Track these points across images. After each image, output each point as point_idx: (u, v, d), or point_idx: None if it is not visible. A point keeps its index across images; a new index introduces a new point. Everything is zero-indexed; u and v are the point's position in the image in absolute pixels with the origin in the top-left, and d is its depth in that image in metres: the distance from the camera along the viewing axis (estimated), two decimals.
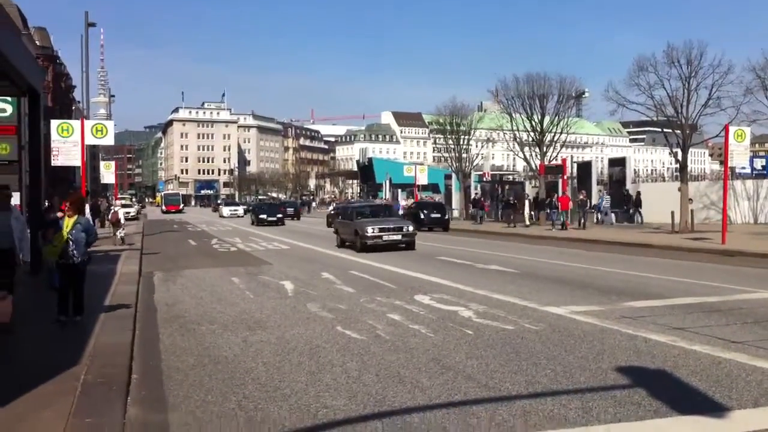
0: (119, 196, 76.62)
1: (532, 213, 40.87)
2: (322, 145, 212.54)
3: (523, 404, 6.11)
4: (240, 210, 71.70)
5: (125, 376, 7.22)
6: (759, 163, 50.99)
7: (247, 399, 6.47)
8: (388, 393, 6.56)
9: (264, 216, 49.89)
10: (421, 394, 6.51)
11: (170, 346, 8.98)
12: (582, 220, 35.24)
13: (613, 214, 40.62)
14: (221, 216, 69.49)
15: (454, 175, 58.93)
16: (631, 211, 39.89)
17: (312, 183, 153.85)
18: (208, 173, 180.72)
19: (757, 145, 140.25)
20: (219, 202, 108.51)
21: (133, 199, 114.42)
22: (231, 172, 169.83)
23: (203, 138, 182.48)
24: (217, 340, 9.21)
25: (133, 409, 6.31)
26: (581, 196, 36.70)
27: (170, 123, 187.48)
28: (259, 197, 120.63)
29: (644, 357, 7.80)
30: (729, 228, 25.99)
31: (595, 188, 42.40)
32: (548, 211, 37.72)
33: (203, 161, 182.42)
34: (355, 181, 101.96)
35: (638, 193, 40.96)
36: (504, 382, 6.88)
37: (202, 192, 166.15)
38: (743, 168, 42.97)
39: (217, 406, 6.29)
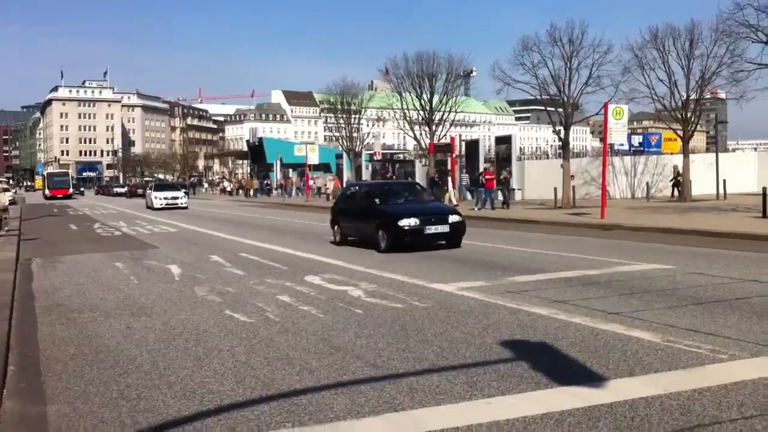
0: None
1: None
2: (211, 125, 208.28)
3: (410, 381, 6.19)
4: (181, 197, 47.51)
5: (1, 367, 6.88)
6: (636, 140, 53.31)
7: (129, 388, 6.28)
8: (277, 375, 6.51)
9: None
10: (310, 375, 6.49)
11: (49, 335, 8.62)
12: (505, 199, 34.42)
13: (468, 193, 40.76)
14: (151, 207, 45.98)
15: (345, 155, 59.00)
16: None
17: (201, 164, 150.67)
18: (91, 155, 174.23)
19: (634, 123, 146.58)
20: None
21: (11, 183, 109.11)
22: (115, 153, 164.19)
23: (85, 118, 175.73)
24: (98, 329, 8.91)
25: (9, 402, 6.03)
26: (505, 174, 35.93)
27: (49, 102, 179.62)
28: (145, 179, 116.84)
29: (527, 330, 8.05)
30: (608, 203, 27.11)
31: (482, 166, 43.08)
32: (473, 189, 36.47)
33: (85, 142, 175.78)
34: (245, 161, 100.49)
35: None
36: (392, 359, 6.95)
37: (84, 174, 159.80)
38: (621, 145, 44.98)
39: (98, 396, 6.08)
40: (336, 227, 19.70)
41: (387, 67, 51.41)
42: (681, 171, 36.84)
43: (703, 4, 36.08)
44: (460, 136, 51.05)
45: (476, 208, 32.67)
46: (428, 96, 47.30)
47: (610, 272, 12.43)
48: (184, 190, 52.96)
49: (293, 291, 11.26)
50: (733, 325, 8.00)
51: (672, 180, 39.22)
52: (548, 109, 37.56)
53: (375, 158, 57.53)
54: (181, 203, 46.15)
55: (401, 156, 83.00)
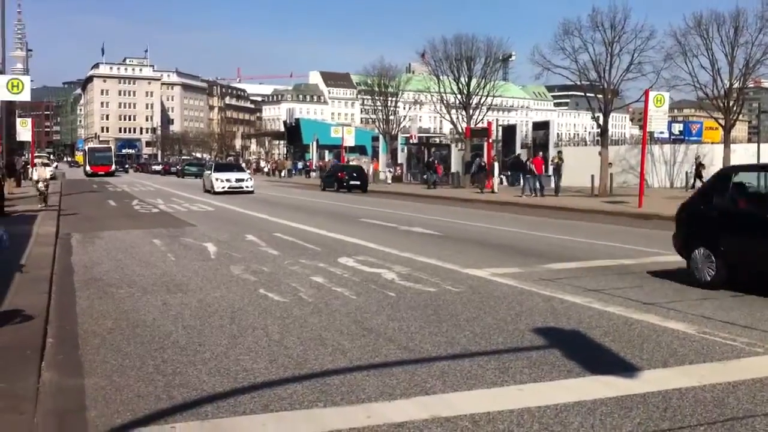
0: (36, 154, 73.70)
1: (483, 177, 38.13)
2: (249, 105, 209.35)
3: (441, 365, 6.21)
4: (247, 178, 38.87)
5: (40, 340, 7.03)
6: (677, 128, 52.61)
7: (165, 363, 6.39)
8: (309, 356, 6.57)
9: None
10: (342, 356, 6.55)
11: (87, 309, 8.78)
12: (556, 186, 33.29)
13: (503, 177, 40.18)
14: (210, 191, 37.63)
15: (381, 137, 58.96)
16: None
17: (238, 143, 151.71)
18: (130, 132, 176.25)
19: (675, 111, 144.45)
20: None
21: (51, 158, 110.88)
22: (154, 130, 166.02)
23: (125, 95, 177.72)
24: (136, 304, 9.05)
25: (47, 373, 6.15)
26: (555, 159, 34.61)
27: (90, 79, 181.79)
28: (183, 157, 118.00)
29: (560, 318, 8.02)
30: (646, 192, 26.79)
31: (519, 151, 42.80)
32: (522, 175, 34.87)
33: (125, 119, 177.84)
34: (282, 142, 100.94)
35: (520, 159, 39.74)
36: (424, 343, 6.98)
37: (123, 151, 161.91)
38: (662, 133, 44.45)
39: (134, 370, 6.19)
40: (705, 252, 9.91)
41: (425, 49, 51.26)
42: (702, 160, 36.28)
43: None
44: (497, 120, 50.72)
45: (523, 195, 31.84)
46: (466, 80, 47.03)
47: (646, 262, 12.32)
48: (248, 171, 45.91)
49: (327, 272, 11.33)
50: None
51: (693, 169, 38.69)
52: (587, 95, 37.10)
53: (411, 141, 57.41)
54: (247, 186, 37.83)
55: (437, 140, 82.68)
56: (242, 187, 37.40)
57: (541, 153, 39.30)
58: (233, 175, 38.63)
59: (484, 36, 48.84)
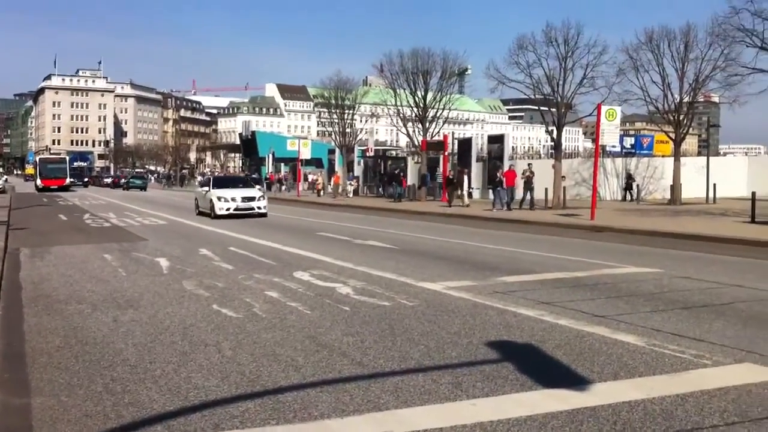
0: None
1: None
2: (204, 117, 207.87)
3: (395, 380, 6.20)
4: (258, 197, 29.51)
5: None
6: (628, 142, 53.53)
7: (115, 381, 6.27)
8: (263, 372, 6.51)
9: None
10: (296, 372, 6.50)
11: (35, 326, 8.59)
12: (529, 199, 32.68)
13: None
14: (209, 213, 28.79)
15: (337, 150, 58.97)
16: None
17: (192, 156, 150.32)
18: (83, 144, 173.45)
19: (627, 124, 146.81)
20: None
21: (0, 171, 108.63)
22: (107, 143, 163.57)
23: (77, 107, 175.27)
24: (85, 321, 8.88)
25: None
26: (527, 173, 33.71)
27: (42, 91, 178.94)
28: (136, 170, 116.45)
29: (513, 331, 8.07)
30: (598, 204, 27.20)
31: (474, 165, 43.12)
32: (493, 188, 34.02)
33: (77, 132, 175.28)
34: (238, 155, 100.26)
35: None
36: (378, 358, 6.96)
37: (75, 164, 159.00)
38: (613, 146, 45.17)
39: (83, 389, 6.07)
40: None
41: (382, 63, 51.46)
42: (633, 174, 37.29)
43: (698, 7, 36.20)
44: (452, 133, 51.17)
45: (494, 209, 31.14)
46: (422, 93, 47.39)
47: (598, 274, 12.46)
48: (258, 187, 35.68)
49: (281, 287, 11.25)
50: (719, 330, 8.04)
51: (624, 183, 39.62)
52: (541, 108, 37.68)
53: (367, 154, 57.56)
54: (260, 207, 28.62)
55: (394, 152, 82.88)
56: (252, 209, 28.26)
57: (511, 165, 39.38)
58: (239, 193, 28.86)
59: (441, 50, 48.77)
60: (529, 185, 33.11)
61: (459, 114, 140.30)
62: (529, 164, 36.03)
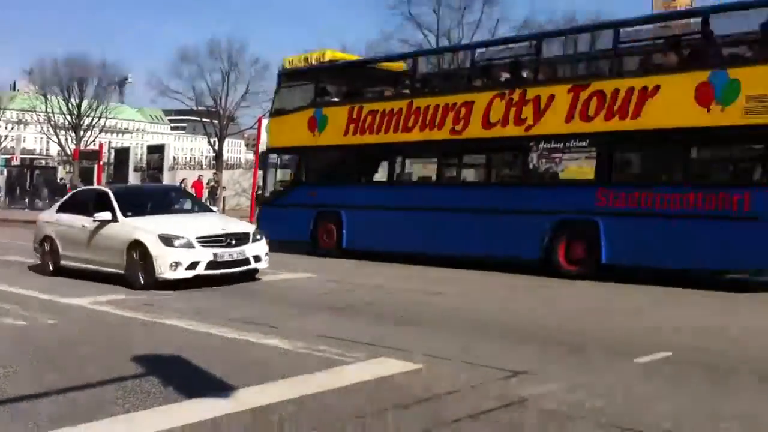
0: None
1: None
2: None
3: (24, 407, 5.64)
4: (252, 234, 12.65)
5: None
6: None
7: None
8: None
9: None
10: None
11: None
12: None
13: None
14: (158, 277, 11.77)
15: None
16: None
17: None
18: None
19: None
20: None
21: None
22: None
23: None
24: None
25: None
26: (211, 183, 34.30)
27: None
28: None
29: (161, 344, 7.80)
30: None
31: (131, 174, 41.59)
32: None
33: None
34: None
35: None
36: (6, 385, 6.28)
37: None
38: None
39: None
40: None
41: (32, 67, 47.89)
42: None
43: None
44: (109, 143, 48.86)
45: None
46: (77, 101, 44.97)
47: (255, 281, 12.62)
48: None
49: None
50: (361, 329, 8.53)
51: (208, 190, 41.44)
52: (204, 120, 37.57)
53: (13, 163, 52.88)
54: (259, 259, 12.55)
55: (43, 162, 77.27)
56: (248, 263, 12.45)
57: (200, 176, 38.73)
58: (209, 228, 12.56)
59: (99, 58, 46.82)
60: (213, 195, 34.41)
61: (118, 123, 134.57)
62: (214, 173, 37.03)
